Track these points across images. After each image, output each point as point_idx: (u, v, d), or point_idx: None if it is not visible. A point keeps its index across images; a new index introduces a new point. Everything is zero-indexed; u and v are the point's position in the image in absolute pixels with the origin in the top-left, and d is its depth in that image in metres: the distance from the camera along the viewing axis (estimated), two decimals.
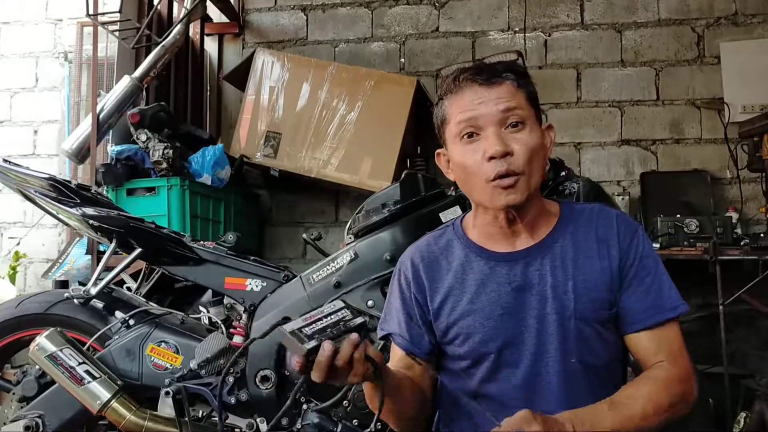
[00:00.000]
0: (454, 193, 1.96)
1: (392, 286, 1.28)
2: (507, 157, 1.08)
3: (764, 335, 3.04)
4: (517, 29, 3.66)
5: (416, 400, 1.17)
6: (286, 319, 0.99)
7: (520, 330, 1.13)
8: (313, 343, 0.93)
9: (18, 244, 3.99)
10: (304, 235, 2.36)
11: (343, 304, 1.01)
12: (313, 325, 0.96)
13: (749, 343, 3.06)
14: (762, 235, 2.97)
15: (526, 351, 1.13)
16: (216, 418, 1.97)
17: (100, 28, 3.04)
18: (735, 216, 3.10)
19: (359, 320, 1.00)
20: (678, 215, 2.94)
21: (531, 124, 1.12)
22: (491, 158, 1.08)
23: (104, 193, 2.75)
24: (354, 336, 0.97)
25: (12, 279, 3.82)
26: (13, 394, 2.02)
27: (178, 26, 3.17)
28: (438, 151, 1.23)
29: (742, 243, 2.82)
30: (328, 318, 0.98)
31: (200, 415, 1.99)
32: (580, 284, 1.13)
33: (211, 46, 3.97)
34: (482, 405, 1.17)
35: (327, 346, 0.93)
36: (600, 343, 1.14)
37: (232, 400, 1.95)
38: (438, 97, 1.19)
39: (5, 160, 2.08)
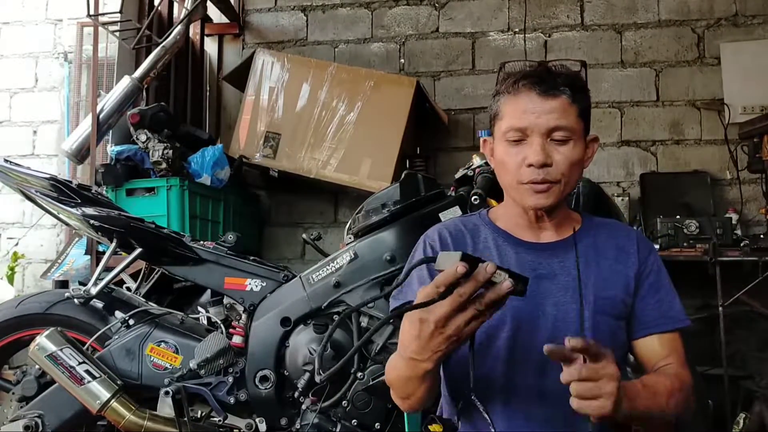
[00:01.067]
0: (453, 194, 1.96)
1: (414, 259, 1.28)
2: (545, 167, 1.14)
3: (764, 337, 3.03)
4: (517, 30, 3.66)
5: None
6: None
7: (537, 315, 1.17)
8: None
9: (16, 244, 3.99)
10: (304, 236, 2.36)
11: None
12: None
13: (749, 344, 3.06)
14: (762, 236, 2.97)
15: (540, 336, 1.16)
16: (215, 418, 1.97)
17: (100, 29, 3.04)
18: (735, 217, 3.11)
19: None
20: (678, 216, 2.94)
21: (576, 139, 1.17)
22: (530, 165, 1.14)
23: (104, 193, 2.75)
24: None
25: (10, 279, 3.81)
26: (13, 393, 2.02)
27: (179, 27, 3.18)
28: (484, 138, 1.28)
29: (741, 244, 2.83)
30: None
31: (199, 415, 1.99)
32: (600, 281, 1.19)
33: (211, 46, 3.97)
34: (488, 395, 1.17)
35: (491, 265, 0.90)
36: (613, 340, 1.17)
37: (231, 400, 1.95)
38: (497, 90, 1.23)
39: (6, 160, 2.08)
